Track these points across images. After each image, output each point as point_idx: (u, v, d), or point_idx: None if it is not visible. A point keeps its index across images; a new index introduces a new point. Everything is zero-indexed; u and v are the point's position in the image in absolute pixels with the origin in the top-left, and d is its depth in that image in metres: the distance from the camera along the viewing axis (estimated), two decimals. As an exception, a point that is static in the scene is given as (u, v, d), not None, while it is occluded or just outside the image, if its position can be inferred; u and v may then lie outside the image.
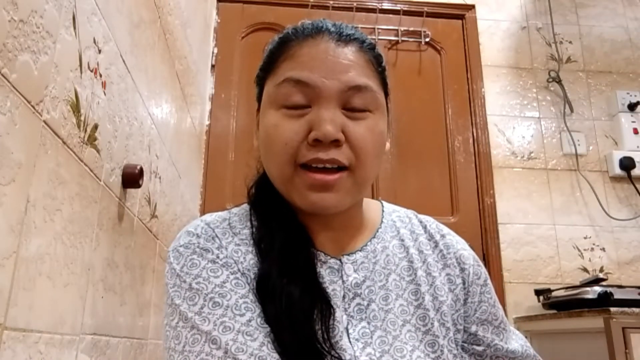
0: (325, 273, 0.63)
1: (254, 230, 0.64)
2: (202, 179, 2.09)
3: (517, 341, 0.72)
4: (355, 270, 0.64)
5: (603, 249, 2.20)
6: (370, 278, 0.65)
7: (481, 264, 0.73)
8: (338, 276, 0.63)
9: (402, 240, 0.70)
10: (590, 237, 2.21)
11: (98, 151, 0.83)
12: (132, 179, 0.97)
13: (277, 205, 0.65)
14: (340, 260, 0.65)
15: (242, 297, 0.57)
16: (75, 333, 0.75)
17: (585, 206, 2.25)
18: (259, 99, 0.68)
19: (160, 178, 1.27)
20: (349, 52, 0.62)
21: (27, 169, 0.60)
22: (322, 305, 0.58)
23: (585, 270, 2.16)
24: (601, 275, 2.06)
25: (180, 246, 0.62)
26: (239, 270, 0.60)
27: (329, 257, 0.64)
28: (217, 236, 0.63)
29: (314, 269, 0.62)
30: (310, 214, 0.63)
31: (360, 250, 0.67)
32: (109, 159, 0.89)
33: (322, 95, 0.60)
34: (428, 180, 2.21)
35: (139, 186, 1.00)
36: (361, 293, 0.63)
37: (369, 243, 0.68)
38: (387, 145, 0.67)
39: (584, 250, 2.19)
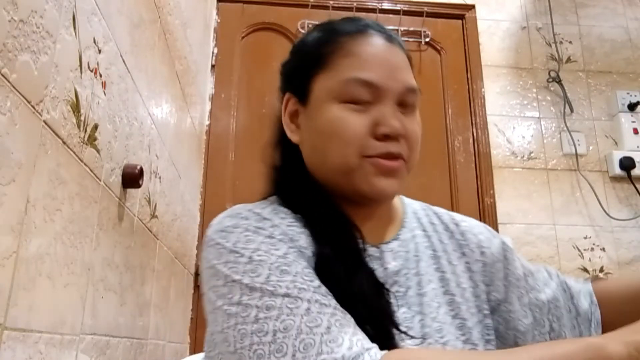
0: (367, 261, 0.64)
1: (301, 217, 0.64)
2: (202, 179, 2.09)
3: (548, 287, 0.73)
4: (393, 259, 0.67)
5: (603, 249, 2.20)
6: (405, 266, 0.67)
7: (498, 237, 0.76)
8: (379, 264, 0.65)
9: (425, 230, 0.73)
10: (590, 237, 2.21)
11: (98, 151, 0.83)
12: (132, 179, 0.97)
13: (317, 197, 0.66)
14: (379, 248, 0.67)
15: (306, 267, 0.57)
16: (75, 333, 0.75)
17: (585, 206, 2.25)
18: (297, 91, 0.69)
19: (160, 178, 1.27)
20: (397, 52, 0.67)
21: (27, 169, 0.60)
22: (384, 288, 0.61)
23: (585, 270, 2.16)
24: (601, 275, 2.06)
25: (227, 226, 0.60)
26: (295, 247, 0.59)
27: (369, 246, 0.66)
28: (265, 217, 0.62)
29: (364, 257, 0.63)
30: (354, 204, 0.66)
31: (395, 239, 0.69)
32: (109, 159, 0.89)
33: (386, 94, 0.64)
34: (428, 180, 2.21)
35: (139, 186, 1.00)
36: (399, 280, 0.65)
37: (400, 232, 0.71)
38: None
39: (584, 250, 2.19)
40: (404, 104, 0.65)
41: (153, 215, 1.21)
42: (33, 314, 0.62)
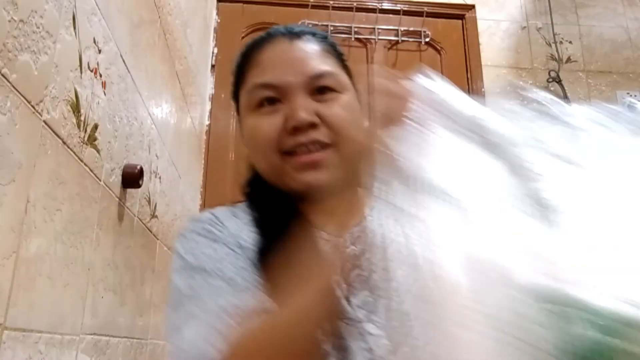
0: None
1: (255, 215, 0.68)
2: (202, 179, 2.09)
3: None
4: (352, 243, 0.67)
5: (603, 249, 2.19)
6: (368, 251, 0.68)
7: None
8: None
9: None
10: (590, 237, 2.20)
11: (98, 151, 0.83)
12: (132, 179, 0.97)
13: (272, 195, 0.69)
14: (338, 236, 0.68)
15: (240, 269, 0.59)
16: (75, 333, 0.75)
17: (585, 206, 2.24)
18: (239, 111, 0.74)
19: (160, 178, 1.27)
20: (302, 46, 0.69)
21: (27, 169, 0.60)
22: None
23: (585, 270, 2.16)
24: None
25: (185, 230, 0.65)
26: (239, 245, 0.62)
27: (331, 237, 0.67)
28: (220, 221, 0.65)
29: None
30: (307, 198, 0.67)
31: (357, 226, 0.70)
32: (109, 159, 0.89)
33: (290, 90, 0.66)
34: (428, 180, 2.21)
35: (139, 186, 1.00)
36: (360, 264, 0.66)
37: (365, 220, 0.71)
38: (366, 121, 0.71)
39: (584, 250, 2.19)
40: (320, 91, 0.66)
41: (153, 215, 1.21)
42: (33, 314, 0.62)
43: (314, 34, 0.71)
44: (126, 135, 0.98)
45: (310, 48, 0.69)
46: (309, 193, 0.66)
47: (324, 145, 0.65)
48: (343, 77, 0.69)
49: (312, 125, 0.64)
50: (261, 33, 0.74)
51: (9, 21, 0.55)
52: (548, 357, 0.33)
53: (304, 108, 0.64)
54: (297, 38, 0.69)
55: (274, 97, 0.66)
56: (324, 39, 0.72)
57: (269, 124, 0.65)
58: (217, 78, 2.25)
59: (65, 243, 0.71)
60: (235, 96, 0.74)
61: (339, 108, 0.66)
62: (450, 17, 2.47)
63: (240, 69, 0.72)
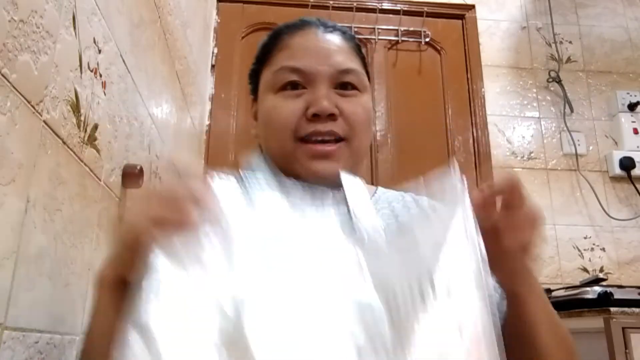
0: None
1: None
2: (202, 179, 2.09)
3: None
4: None
5: (603, 249, 2.20)
6: None
7: None
8: None
9: (393, 211, 0.75)
10: (590, 237, 2.21)
11: (98, 151, 0.83)
12: (132, 179, 0.97)
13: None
14: None
15: None
16: (75, 333, 0.75)
17: (585, 206, 2.25)
18: (255, 92, 0.75)
19: (160, 178, 1.27)
20: (334, 40, 0.71)
21: (27, 169, 0.60)
22: None
23: (585, 270, 2.16)
24: (601, 275, 2.06)
25: None
26: None
27: None
28: None
29: None
30: (313, 185, 0.68)
31: None
32: (109, 159, 0.89)
33: (317, 78, 0.68)
34: (428, 180, 2.20)
35: (139, 186, 1.00)
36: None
37: None
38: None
39: (584, 250, 2.19)
40: (343, 86, 0.69)
41: (153, 215, 1.21)
42: (33, 313, 0.62)
43: (343, 32, 0.73)
44: (126, 135, 0.98)
45: (341, 43, 0.71)
46: (314, 181, 0.67)
47: (338, 138, 0.67)
48: (365, 78, 0.72)
49: (332, 116, 0.66)
50: (294, 20, 0.76)
51: (9, 21, 0.55)
52: None
53: (327, 98, 0.66)
54: (330, 31, 0.72)
55: (299, 82, 0.68)
56: (352, 38, 0.74)
57: (289, 107, 0.67)
58: (217, 78, 2.25)
59: (65, 243, 0.71)
60: (255, 75, 0.75)
61: (358, 106, 0.68)
62: (450, 17, 2.47)
63: (267, 49, 0.73)
